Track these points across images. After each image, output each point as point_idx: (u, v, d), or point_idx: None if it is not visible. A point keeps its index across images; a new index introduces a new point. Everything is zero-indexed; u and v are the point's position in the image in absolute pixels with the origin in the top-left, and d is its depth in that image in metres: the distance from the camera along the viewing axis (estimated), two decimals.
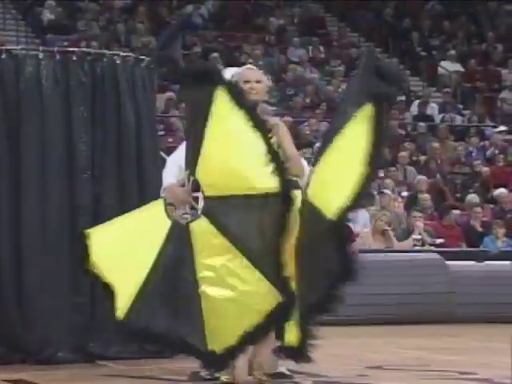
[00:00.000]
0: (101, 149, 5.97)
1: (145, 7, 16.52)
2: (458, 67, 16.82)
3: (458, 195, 12.35)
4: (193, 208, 4.70)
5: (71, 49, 6.33)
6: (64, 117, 5.93)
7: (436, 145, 13.69)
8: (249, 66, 5.01)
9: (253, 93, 4.73)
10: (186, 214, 4.74)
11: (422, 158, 13.47)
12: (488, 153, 14.03)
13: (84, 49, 6.87)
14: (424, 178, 11.95)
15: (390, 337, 7.52)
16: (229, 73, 5.07)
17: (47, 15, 15.81)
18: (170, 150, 13.74)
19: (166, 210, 4.48)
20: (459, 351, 6.60)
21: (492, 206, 12.00)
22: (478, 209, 11.22)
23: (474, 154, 13.96)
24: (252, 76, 4.80)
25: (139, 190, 6.02)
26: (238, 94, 4.42)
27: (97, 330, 5.72)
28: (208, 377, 5.00)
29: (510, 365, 4.93)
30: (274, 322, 4.34)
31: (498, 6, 18.77)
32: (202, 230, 4.37)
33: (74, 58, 5.98)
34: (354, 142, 4.28)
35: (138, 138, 6.09)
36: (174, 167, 4.90)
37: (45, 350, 5.70)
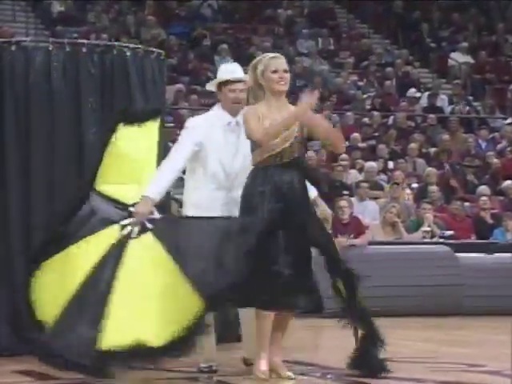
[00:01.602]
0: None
1: None
2: (468, 59, 16.75)
3: (467, 187, 12.31)
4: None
5: (81, 41, 6.34)
6: (73, 108, 5.93)
7: (446, 137, 13.65)
8: (275, 54, 4.78)
9: (281, 83, 4.58)
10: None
11: (432, 149, 13.43)
12: (498, 146, 13.98)
13: (93, 41, 6.87)
14: (434, 170, 11.92)
15: (399, 329, 7.50)
16: (222, 71, 5.04)
17: (57, 7, 15.84)
18: None
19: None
20: (468, 344, 6.58)
21: (502, 198, 11.97)
22: (488, 201, 11.18)
23: (483, 146, 13.91)
24: (280, 65, 4.63)
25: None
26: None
27: None
28: (206, 369, 5.03)
29: (510, 356, 4.93)
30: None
31: None
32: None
33: (84, 50, 5.98)
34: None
35: None
36: (168, 174, 4.86)
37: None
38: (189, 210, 5.00)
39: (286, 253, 4.46)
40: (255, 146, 4.64)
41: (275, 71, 4.59)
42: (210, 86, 5.22)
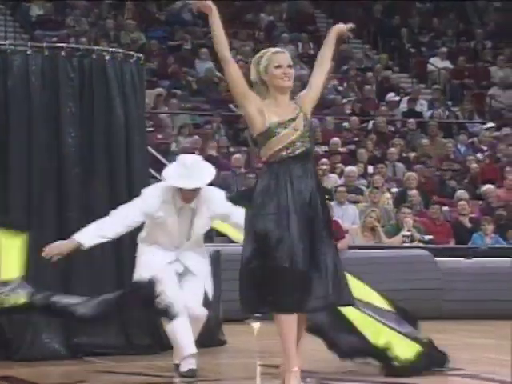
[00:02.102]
0: (89, 144, 5.95)
1: (134, 3, 16.48)
2: (447, 64, 16.84)
3: (446, 192, 12.37)
4: None
5: (60, 44, 6.31)
6: (52, 112, 5.90)
7: (425, 141, 13.72)
8: (278, 49, 4.56)
9: (286, 79, 4.35)
10: None
11: (412, 154, 13.49)
12: (476, 149, 14.06)
13: (73, 45, 6.85)
14: (413, 174, 11.97)
15: None
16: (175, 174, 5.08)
17: (36, 11, 15.75)
18: (158, 146, 13.72)
19: None
20: (447, 347, 6.61)
21: (480, 202, 12.04)
22: (466, 205, 11.24)
23: (462, 151, 13.99)
24: (284, 60, 4.38)
25: (127, 184, 6.01)
26: None
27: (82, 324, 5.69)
28: (186, 374, 5.02)
29: (510, 362, 4.94)
30: None
31: (487, 3, 18.80)
32: None
33: (63, 54, 5.96)
34: None
35: (127, 134, 6.07)
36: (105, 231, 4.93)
37: (32, 346, 5.67)
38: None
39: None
40: (259, 140, 4.39)
41: (279, 66, 4.36)
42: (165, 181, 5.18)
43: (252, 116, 4.37)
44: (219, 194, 5.27)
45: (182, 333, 5.06)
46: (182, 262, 5.20)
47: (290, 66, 4.39)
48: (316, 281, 4.21)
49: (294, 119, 4.38)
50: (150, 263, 5.11)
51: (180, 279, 5.17)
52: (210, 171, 5.14)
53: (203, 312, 5.19)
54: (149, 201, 5.04)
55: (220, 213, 5.19)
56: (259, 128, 4.37)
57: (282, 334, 4.19)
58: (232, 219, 5.18)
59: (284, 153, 4.33)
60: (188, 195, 5.05)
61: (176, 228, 5.10)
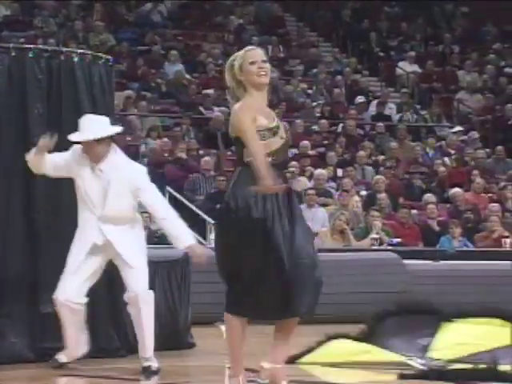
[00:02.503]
0: (57, 145, 5.89)
1: (102, 5, 16.39)
2: (415, 68, 16.97)
3: (414, 195, 12.45)
4: None
5: (27, 45, 6.25)
6: (20, 114, 5.84)
7: (394, 144, 13.80)
8: (250, 47, 4.47)
9: (262, 74, 4.26)
10: None
11: (381, 157, 13.56)
12: (444, 153, 14.17)
13: (40, 46, 6.77)
14: (382, 177, 12.03)
15: None
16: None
17: (2, 11, 15.60)
18: (128, 149, 13.68)
19: None
20: None
21: (448, 205, 12.13)
22: (434, 208, 11.32)
23: (430, 154, 14.09)
24: (257, 55, 4.31)
25: None
26: None
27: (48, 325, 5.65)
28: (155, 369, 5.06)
29: None
30: None
31: (455, 8, 18.97)
32: None
33: (30, 55, 5.90)
34: None
35: None
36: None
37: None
38: None
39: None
40: (243, 144, 4.24)
41: (253, 62, 4.27)
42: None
43: (249, 132, 4.23)
44: (139, 168, 5.50)
45: (66, 328, 5.34)
46: (104, 235, 5.32)
47: (264, 61, 4.32)
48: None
49: (278, 127, 4.36)
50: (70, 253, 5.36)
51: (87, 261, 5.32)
52: (104, 127, 5.40)
53: (80, 306, 5.37)
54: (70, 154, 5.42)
55: (135, 185, 5.32)
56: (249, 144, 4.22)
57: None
58: (141, 197, 5.33)
59: (269, 159, 4.26)
60: (86, 151, 5.34)
61: (90, 191, 5.31)
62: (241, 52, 4.39)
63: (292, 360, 5.19)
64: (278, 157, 4.31)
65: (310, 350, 5.53)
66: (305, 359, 5.45)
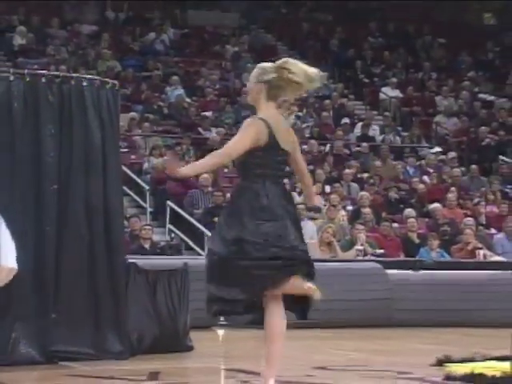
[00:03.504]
0: (68, 164, 5.91)
1: (110, 34, 16.49)
2: (397, 93, 17.06)
3: (396, 209, 12.48)
4: None
5: (40, 71, 6.27)
6: (34, 134, 5.86)
7: (377, 163, 13.85)
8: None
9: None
10: None
11: (365, 175, 13.61)
12: (424, 171, 14.23)
13: (53, 72, 6.80)
14: (366, 193, 12.06)
15: (334, 339, 7.55)
16: None
17: (18, 40, 15.66)
18: (132, 166, 13.63)
19: None
20: (396, 353, 6.64)
21: (427, 219, 12.16)
22: (414, 222, 11.35)
23: (411, 172, 14.15)
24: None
25: (104, 202, 5.97)
26: None
27: (57, 330, 5.62)
28: None
29: None
30: None
31: (433, 39, 19.12)
32: None
33: (43, 80, 5.93)
34: None
35: (103, 154, 6.05)
36: None
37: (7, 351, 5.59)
38: None
39: None
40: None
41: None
42: None
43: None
44: None
45: None
46: None
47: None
48: None
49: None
50: None
51: None
52: None
53: None
54: None
55: None
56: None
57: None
58: None
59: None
60: None
61: None
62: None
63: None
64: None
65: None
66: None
